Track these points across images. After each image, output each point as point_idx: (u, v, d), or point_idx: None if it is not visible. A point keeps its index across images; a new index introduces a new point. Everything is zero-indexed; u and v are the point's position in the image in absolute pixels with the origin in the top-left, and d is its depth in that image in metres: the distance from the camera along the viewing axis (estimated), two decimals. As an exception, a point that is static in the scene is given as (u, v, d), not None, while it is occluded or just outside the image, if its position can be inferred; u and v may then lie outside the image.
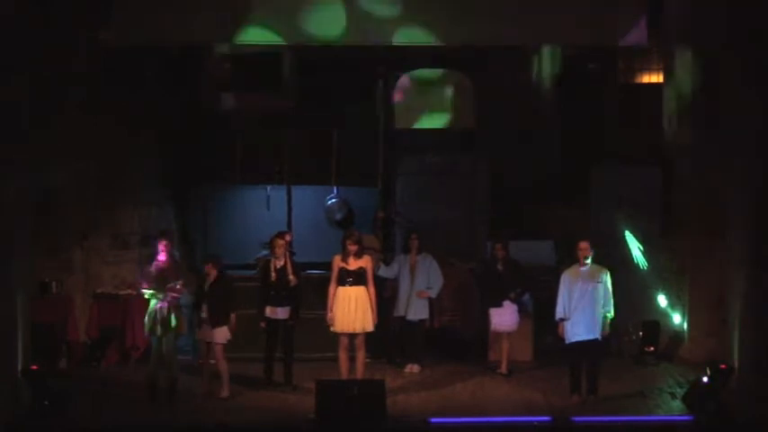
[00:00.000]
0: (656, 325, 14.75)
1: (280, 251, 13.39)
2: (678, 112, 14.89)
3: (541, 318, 14.20)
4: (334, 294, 12.86)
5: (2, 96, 11.96)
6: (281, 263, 13.40)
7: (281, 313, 13.40)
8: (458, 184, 16.43)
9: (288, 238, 13.79)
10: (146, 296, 12.80)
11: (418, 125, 16.62)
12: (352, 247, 12.85)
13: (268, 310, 13.38)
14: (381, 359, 14.59)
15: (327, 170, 16.63)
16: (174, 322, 12.62)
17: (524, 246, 15.05)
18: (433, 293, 14.47)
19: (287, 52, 16.36)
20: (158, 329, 12.60)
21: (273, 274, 13.35)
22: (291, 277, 13.35)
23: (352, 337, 12.92)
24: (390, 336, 14.59)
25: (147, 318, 12.72)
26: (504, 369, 14.07)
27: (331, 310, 12.87)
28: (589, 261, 12.63)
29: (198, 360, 14.33)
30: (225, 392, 12.90)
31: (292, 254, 13.72)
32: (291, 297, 13.44)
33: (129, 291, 14.34)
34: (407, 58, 16.25)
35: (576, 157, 16.36)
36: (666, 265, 14.97)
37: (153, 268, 12.77)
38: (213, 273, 12.97)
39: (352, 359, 13.02)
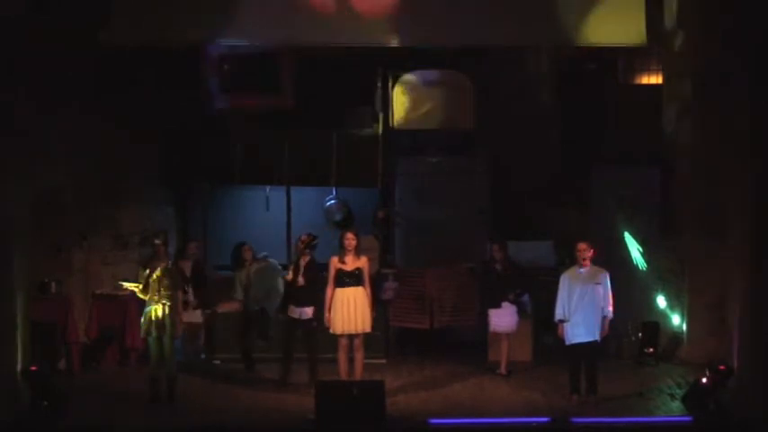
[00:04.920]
0: (655, 326, 14.74)
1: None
2: (678, 112, 14.88)
3: (541, 318, 14.20)
4: (332, 296, 12.87)
5: (1, 96, 11.96)
6: None
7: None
8: (458, 185, 16.42)
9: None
10: (129, 288, 12.98)
11: (418, 125, 16.59)
12: (352, 240, 12.85)
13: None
14: (381, 359, 14.61)
15: (327, 171, 16.63)
16: (169, 324, 12.62)
17: (524, 246, 15.07)
18: None
19: (286, 52, 16.34)
20: (154, 332, 12.61)
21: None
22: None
23: (351, 337, 12.92)
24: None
25: (143, 320, 12.73)
26: (503, 370, 14.07)
27: (329, 312, 12.88)
28: (588, 262, 12.64)
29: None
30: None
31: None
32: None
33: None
34: (407, 59, 16.23)
35: (576, 157, 16.35)
36: (666, 266, 14.96)
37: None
38: (192, 252, 14.09)
39: (351, 360, 13.03)
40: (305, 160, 16.56)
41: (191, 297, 13.94)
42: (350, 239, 12.90)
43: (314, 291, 13.21)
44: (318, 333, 13.29)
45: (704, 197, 14.19)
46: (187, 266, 14.16)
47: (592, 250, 12.67)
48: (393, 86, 16.57)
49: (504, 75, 16.84)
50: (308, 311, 13.29)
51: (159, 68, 15.47)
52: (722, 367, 12.14)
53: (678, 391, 13.04)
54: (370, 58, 15.94)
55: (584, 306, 12.60)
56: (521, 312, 14.22)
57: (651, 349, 14.57)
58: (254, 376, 13.82)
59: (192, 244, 14.61)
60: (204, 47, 15.89)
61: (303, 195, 16.63)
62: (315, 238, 13.53)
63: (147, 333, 12.68)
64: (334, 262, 12.92)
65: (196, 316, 14.20)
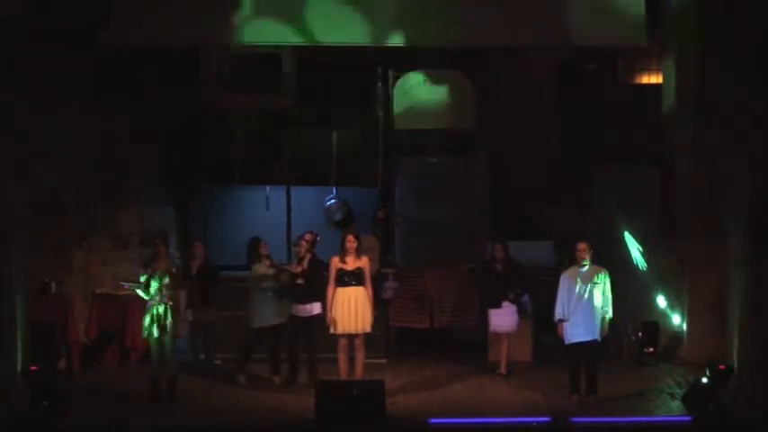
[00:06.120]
0: (655, 326, 14.74)
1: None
2: (677, 112, 14.88)
3: (541, 318, 14.20)
4: (333, 295, 12.87)
5: (1, 96, 11.95)
6: None
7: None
8: (458, 184, 16.42)
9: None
10: (132, 289, 12.95)
11: (418, 125, 16.59)
12: (352, 243, 12.86)
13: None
14: (381, 359, 14.61)
15: (327, 170, 16.63)
16: (171, 324, 12.61)
17: (524, 246, 15.06)
18: None
19: (287, 52, 16.35)
20: (155, 332, 12.60)
21: None
22: None
23: (351, 337, 12.92)
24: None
25: (144, 321, 12.72)
26: (503, 370, 14.07)
27: (330, 312, 12.88)
28: (588, 262, 12.63)
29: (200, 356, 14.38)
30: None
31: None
32: None
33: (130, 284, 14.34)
34: (407, 59, 16.23)
35: (576, 157, 16.36)
36: (666, 266, 14.96)
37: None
38: (199, 252, 13.94)
39: (351, 360, 13.03)
40: (305, 160, 16.56)
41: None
42: (350, 242, 12.89)
43: (316, 288, 13.21)
44: (318, 333, 13.29)
45: (704, 197, 14.19)
46: (194, 266, 14.11)
47: (592, 250, 12.67)
48: (393, 86, 16.57)
49: (504, 75, 16.84)
50: (312, 308, 13.29)
51: (159, 68, 15.47)
52: (722, 367, 12.14)
53: (678, 391, 13.04)
54: (370, 58, 15.94)
55: (583, 306, 12.60)
56: (521, 312, 14.22)
57: (651, 349, 14.57)
58: (255, 376, 13.80)
59: (198, 243, 14.55)
60: (204, 47, 15.89)
61: (303, 195, 16.62)
62: (317, 235, 13.59)
63: (149, 333, 12.68)
64: (335, 262, 12.92)
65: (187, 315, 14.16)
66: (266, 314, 13.56)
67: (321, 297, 13.14)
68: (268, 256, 13.67)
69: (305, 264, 13.30)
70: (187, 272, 13.81)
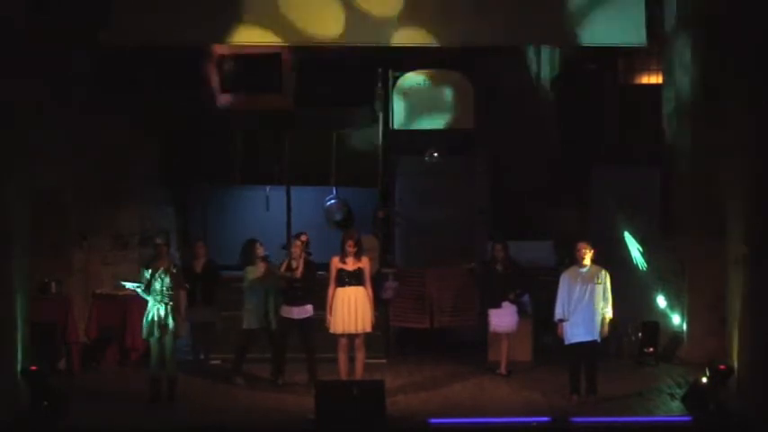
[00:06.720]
0: (655, 326, 14.73)
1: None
2: (678, 112, 14.89)
3: (541, 318, 14.20)
4: (333, 296, 12.87)
5: (1, 96, 11.96)
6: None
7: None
8: (458, 184, 16.43)
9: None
10: (130, 288, 12.95)
11: (418, 125, 16.61)
12: (352, 249, 12.86)
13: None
14: (381, 359, 14.62)
15: (327, 171, 16.64)
16: (171, 324, 12.62)
17: (524, 246, 15.07)
18: None
19: (287, 52, 16.37)
20: (156, 332, 12.60)
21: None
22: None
23: (351, 337, 12.92)
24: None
25: (144, 321, 12.72)
26: (503, 370, 14.07)
27: (330, 312, 12.88)
28: (588, 262, 12.64)
29: (199, 357, 14.37)
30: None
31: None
32: None
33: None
34: (407, 59, 16.24)
35: (576, 157, 16.36)
36: (666, 266, 14.96)
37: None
38: (203, 252, 13.93)
39: (351, 360, 13.03)
40: (305, 160, 16.57)
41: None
42: (350, 247, 12.85)
43: (313, 290, 13.20)
44: (318, 333, 13.28)
45: (704, 197, 14.19)
46: (198, 265, 14.09)
47: (592, 250, 12.67)
48: (393, 86, 16.57)
49: (504, 75, 16.85)
50: (306, 310, 13.29)
51: (159, 68, 15.48)
52: (722, 367, 12.14)
53: (678, 391, 13.04)
54: (370, 58, 15.95)
55: (583, 306, 12.60)
56: (521, 312, 14.22)
57: (651, 349, 14.56)
58: (254, 376, 13.80)
59: (200, 243, 14.53)
60: (204, 47, 15.89)
61: (303, 195, 16.63)
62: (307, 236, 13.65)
63: (150, 334, 12.68)
64: (335, 262, 12.92)
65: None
66: (257, 316, 13.56)
67: (315, 299, 13.12)
68: (264, 258, 13.64)
69: (301, 266, 13.27)
70: (189, 271, 13.79)
